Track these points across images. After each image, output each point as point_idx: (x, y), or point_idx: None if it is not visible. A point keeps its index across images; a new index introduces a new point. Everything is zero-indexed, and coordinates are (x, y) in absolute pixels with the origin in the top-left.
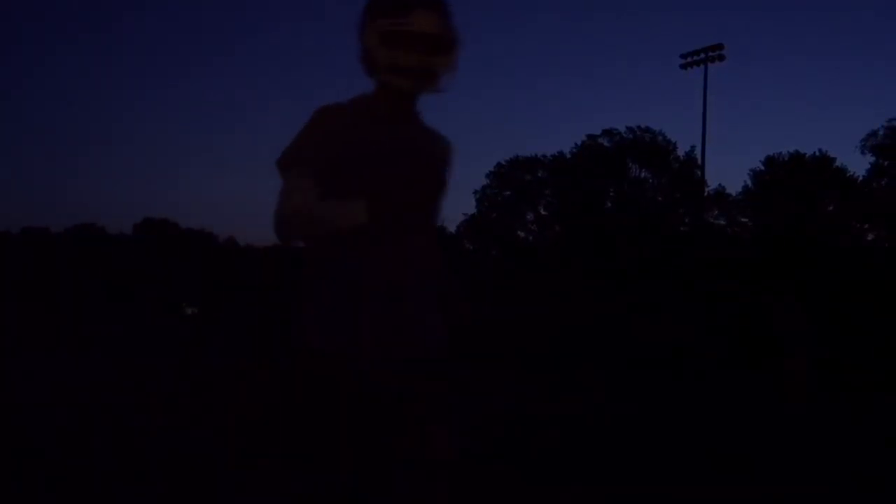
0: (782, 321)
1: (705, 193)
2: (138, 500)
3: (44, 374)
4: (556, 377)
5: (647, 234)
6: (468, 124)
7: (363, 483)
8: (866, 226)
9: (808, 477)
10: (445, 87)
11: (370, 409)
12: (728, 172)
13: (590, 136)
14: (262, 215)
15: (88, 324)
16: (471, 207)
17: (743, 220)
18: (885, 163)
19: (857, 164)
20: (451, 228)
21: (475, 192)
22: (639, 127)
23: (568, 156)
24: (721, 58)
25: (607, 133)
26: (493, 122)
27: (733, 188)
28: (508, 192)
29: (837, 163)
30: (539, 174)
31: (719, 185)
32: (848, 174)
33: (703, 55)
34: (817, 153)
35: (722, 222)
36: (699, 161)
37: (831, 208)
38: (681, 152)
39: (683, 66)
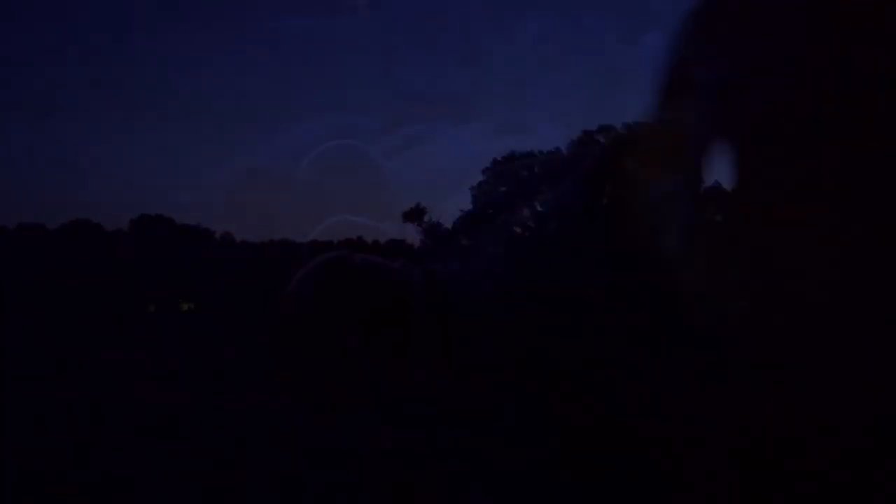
0: None
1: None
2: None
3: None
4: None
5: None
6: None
7: None
8: None
9: None
10: None
11: None
12: None
13: (585, 132)
14: (259, 211)
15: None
16: (467, 204)
17: None
18: None
19: None
20: (447, 224)
21: (471, 189)
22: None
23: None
24: None
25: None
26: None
27: None
28: (504, 189)
29: None
30: (535, 170)
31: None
32: None
33: None
34: None
35: None
36: None
37: None
38: None
39: None
